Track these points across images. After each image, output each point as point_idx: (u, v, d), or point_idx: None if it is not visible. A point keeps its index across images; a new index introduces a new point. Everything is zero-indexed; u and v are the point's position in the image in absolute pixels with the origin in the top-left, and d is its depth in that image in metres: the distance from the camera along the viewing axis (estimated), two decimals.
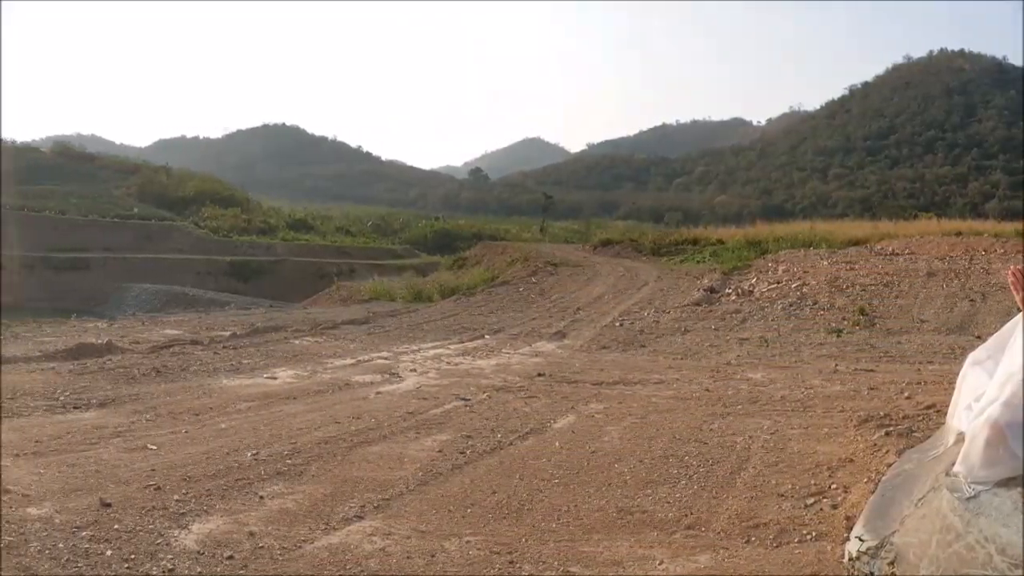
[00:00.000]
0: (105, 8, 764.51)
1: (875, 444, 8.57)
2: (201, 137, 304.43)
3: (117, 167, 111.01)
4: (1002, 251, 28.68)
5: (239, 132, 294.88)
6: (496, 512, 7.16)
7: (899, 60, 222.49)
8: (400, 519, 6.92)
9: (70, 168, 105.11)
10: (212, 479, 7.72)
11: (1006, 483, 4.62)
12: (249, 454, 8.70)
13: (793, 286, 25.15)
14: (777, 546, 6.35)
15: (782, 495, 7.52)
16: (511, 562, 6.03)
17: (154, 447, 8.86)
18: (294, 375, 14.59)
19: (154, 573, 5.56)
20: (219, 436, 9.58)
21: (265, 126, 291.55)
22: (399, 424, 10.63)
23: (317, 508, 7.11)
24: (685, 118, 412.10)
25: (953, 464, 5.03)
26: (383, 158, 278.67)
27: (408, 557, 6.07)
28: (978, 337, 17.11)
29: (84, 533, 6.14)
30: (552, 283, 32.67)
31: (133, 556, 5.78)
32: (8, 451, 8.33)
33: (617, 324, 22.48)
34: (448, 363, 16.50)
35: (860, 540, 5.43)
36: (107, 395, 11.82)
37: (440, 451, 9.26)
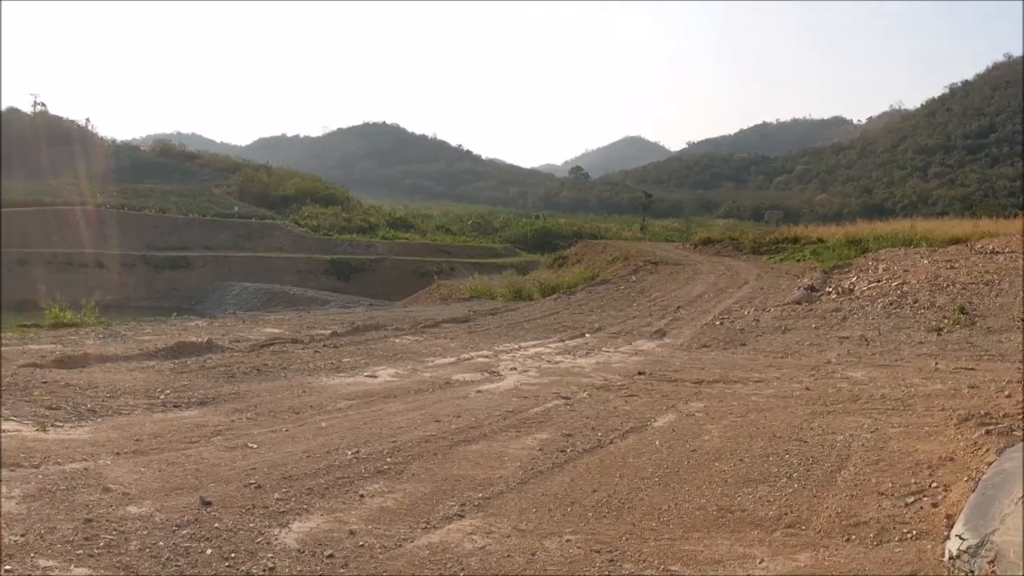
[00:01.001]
0: (208, 8, 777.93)
1: (975, 443, 8.51)
2: (301, 135, 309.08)
3: (218, 165, 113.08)
4: None
5: (339, 130, 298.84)
6: (596, 510, 7.17)
7: (999, 58, 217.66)
8: (500, 517, 6.95)
9: (171, 166, 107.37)
10: (312, 477, 7.80)
11: None
12: (349, 452, 8.77)
13: (893, 285, 24.76)
14: (877, 545, 6.33)
15: (882, 493, 7.50)
16: (611, 560, 6.04)
17: (254, 445, 8.99)
18: (394, 373, 14.68)
19: (254, 572, 5.64)
20: (319, 435, 9.68)
21: (365, 124, 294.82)
22: (499, 423, 10.67)
23: (417, 506, 7.16)
24: (785, 117, 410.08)
25: None
26: (483, 156, 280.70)
27: (508, 556, 6.10)
28: None
29: (184, 531, 6.24)
30: (652, 281, 32.68)
31: (233, 555, 5.87)
32: (109, 449, 8.50)
33: (717, 323, 22.39)
34: (548, 361, 16.55)
35: (960, 539, 5.39)
36: (207, 394, 12.01)
37: (540, 449, 9.29)
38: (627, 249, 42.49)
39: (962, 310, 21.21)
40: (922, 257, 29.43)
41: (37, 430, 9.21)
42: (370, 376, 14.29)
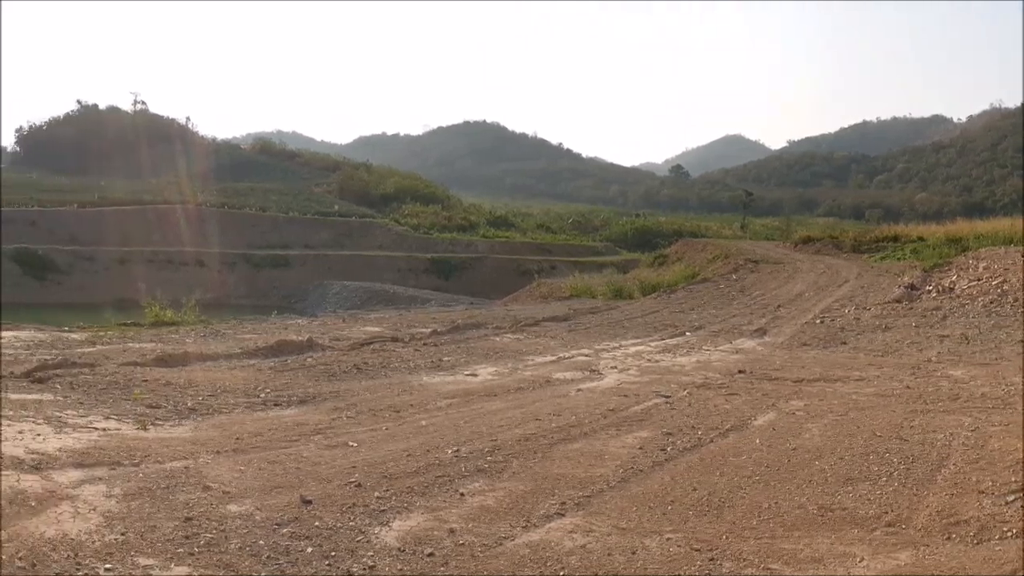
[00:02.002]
0: (308, 8, 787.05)
1: None
2: (402, 134, 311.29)
3: (318, 164, 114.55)
4: None
5: (440, 129, 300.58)
6: (697, 509, 7.18)
7: None
8: (601, 516, 6.96)
9: (271, 165, 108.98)
10: (413, 476, 7.85)
11: None
12: (450, 451, 8.82)
13: (994, 283, 24.34)
14: (978, 543, 6.28)
15: (983, 492, 7.42)
16: (712, 559, 6.04)
17: (354, 444, 9.06)
18: (495, 372, 14.77)
19: (355, 570, 5.67)
20: (420, 433, 9.75)
21: (466, 123, 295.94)
22: (600, 421, 10.69)
23: (518, 505, 7.19)
24: (885, 115, 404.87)
25: None
26: (584, 155, 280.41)
27: (609, 554, 6.10)
28: None
29: (285, 530, 6.31)
30: (753, 280, 32.67)
31: (334, 553, 5.92)
32: (209, 448, 8.62)
33: (818, 321, 22.31)
34: (649, 360, 16.56)
35: None
36: (308, 392, 12.13)
37: (641, 448, 9.30)
38: (727, 248, 42.49)
39: None
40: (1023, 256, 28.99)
41: (137, 429, 9.37)
42: (470, 375, 14.37)
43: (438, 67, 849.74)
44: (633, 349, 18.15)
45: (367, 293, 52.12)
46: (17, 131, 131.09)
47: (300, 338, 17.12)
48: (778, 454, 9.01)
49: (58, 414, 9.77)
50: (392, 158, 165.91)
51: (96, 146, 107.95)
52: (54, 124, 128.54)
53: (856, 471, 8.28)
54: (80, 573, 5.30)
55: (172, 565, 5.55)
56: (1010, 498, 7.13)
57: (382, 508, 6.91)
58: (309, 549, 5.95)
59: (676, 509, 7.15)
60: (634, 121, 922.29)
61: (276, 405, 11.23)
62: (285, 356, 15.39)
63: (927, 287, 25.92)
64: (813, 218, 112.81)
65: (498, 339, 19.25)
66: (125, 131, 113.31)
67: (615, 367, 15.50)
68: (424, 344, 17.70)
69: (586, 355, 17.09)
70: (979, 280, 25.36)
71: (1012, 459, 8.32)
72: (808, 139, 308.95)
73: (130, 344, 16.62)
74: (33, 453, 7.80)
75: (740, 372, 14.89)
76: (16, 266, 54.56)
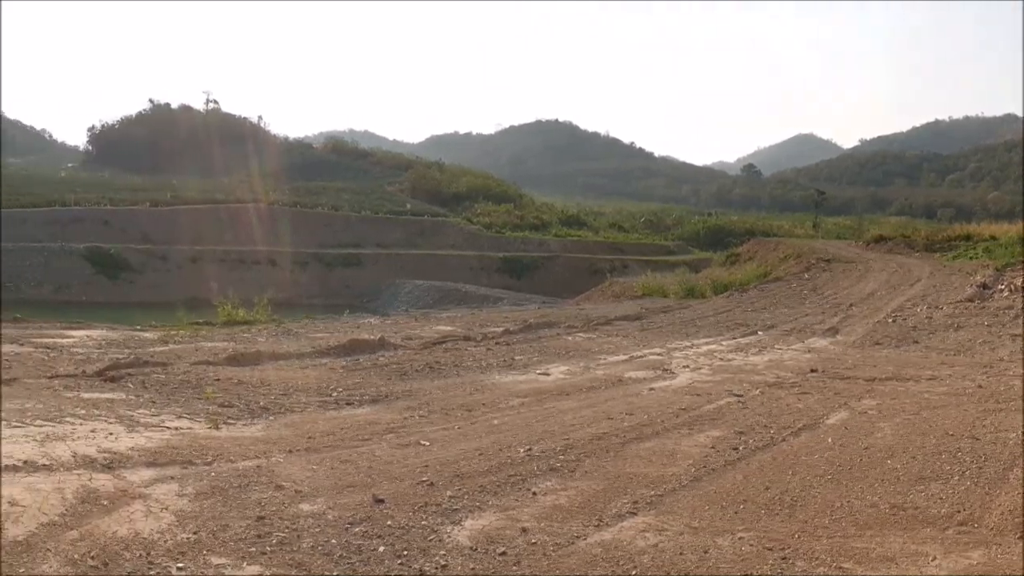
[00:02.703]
0: (382, 8, 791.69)
1: None
2: (474, 133, 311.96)
3: (390, 163, 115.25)
4: None
5: (512, 128, 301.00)
6: (769, 508, 7.17)
7: None
8: (673, 515, 6.95)
9: (343, 164, 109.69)
10: (485, 475, 7.86)
11: None
12: (522, 450, 8.83)
13: None
14: None
15: None
16: (783, 558, 6.03)
17: (427, 443, 9.08)
18: (567, 371, 14.77)
19: (427, 569, 5.68)
20: (492, 432, 9.77)
21: (538, 122, 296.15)
22: (672, 420, 10.70)
23: (590, 504, 7.18)
24: (957, 114, 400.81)
25: None
26: (656, 154, 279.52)
27: (681, 553, 6.09)
28: None
29: (357, 529, 6.33)
30: (825, 279, 32.49)
31: (406, 552, 5.93)
32: (281, 447, 8.68)
33: (890, 320, 22.15)
34: (721, 359, 16.57)
35: None
36: (380, 391, 12.20)
37: (713, 447, 9.30)
38: (799, 247, 42.30)
39: None
40: None
41: (209, 428, 9.48)
42: (542, 374, 14.39)
43: (511, 66, 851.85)
44: (705, 348, 18.19)
45: (439, 292, 52.35)
46: (89, 130, 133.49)
47: (372, 337, 17.23)
48: (850, 453, 9.00)
49: (130, 413, 9.92)
50: (464, 157, 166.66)
51: (168, 145, 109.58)
52: (126, 123, 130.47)
53: (928, 470, 8.28)
54: (152, 572, 5.36)
55: (244, 564, 5.59)
56: None
57: (454, 507, 6.92)
58: (381, 548, 5.97)
59: (748, 508, 7.15)
60: (706, 120, 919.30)
61: (348, 404, 11.29)
62: (357, 355, 15.50)
63: (999, 286, 25.62)
64: (885, 217, 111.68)
65: (570, 338, 19.30)
66: (197, 130, 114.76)
67: (687, 366, 15.52)
68: (496, 343, 17.76)
69: (658, 354, 17.11)
70: None
71: None
72: (880, 138, 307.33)
73: (202, 343, 16.83)
74: (105, 452, 7.91)
75: (812, 371, 14.87)
76: (88, 265, 55.42)
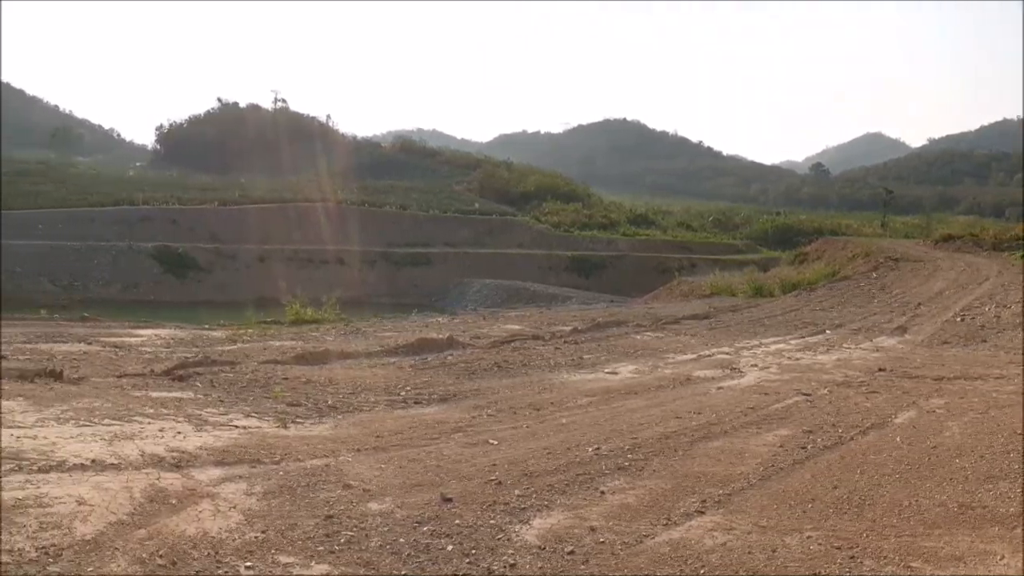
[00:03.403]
0: (450, 7, 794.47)
1: None
2: (542, 132, 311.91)
3: (458, 162, 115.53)
4: None
5: (580, 127, 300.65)
6: (836, 507, 7.14)
7: None
8: (741, 514, 6.95)
9: (411, 163, 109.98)
10: (553, 474, 7.88)
11: None
12: (590, 449, 8.84)
13: None
14: None
15: None
16: (852, 557, 6.01)
17: (495, 442, 9.12)
18: (635, 370, 14.78)
19: (495, 568, 5.70)
20: (560, 431, 9.79)
21: (606, 121, 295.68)
22: (740, 419, 10.70)
23: (658, 503, 7.19)
24: None
25: None
26: (724, 153, 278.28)
27: (749, 552, 6.09)
28: None
29: (425, 528, 6.36)
30: (893, 278, 32.30)
31: (474, 551, 5.96)
32: (349, 446, 8.75)
33: (958, 319, 22.00)
34: (789, 358, 16.53)
35: None
36: (448, 390, 12.27)
37: (781, 446, 9.29)
38: (867, 246, 42.12)
39: None
40: None
41: (278, 427, 9.57)
42: (611, 372, 14.41)
43: (580, 65, 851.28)
44: (773, 347, 18.19)
45: (507, 291, 52.45)
46: (158, 129, 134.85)
47: (440, 336, 17.32)
48: (918, 452, 8.98)
49: (198, 412, 10.04)
50: (532, 156, 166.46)
51: (236, 144, 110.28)
52: (195, 122, 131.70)
53: (997, 469, 8.24)
54: (220, 571, 5.41)
55: (312, 563, 5.63)
56: None
57: (522, 506, 6.94)
58: (449, 547, 6.00)
59: (816, 507, 7.14)
60: (774, 119, 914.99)
61: (416, 403, 11.36)
62: (425, 354, 15.58)
63: None
64: (953, 216, 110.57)
65: (638, 337, 19.32)
66: (266, 129, 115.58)
67: (755, 365, 15.51)
68: (564, 342, 17.80)
69: (726, 353, 17.15)
70: None
71: None
72: (948, 137, 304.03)
73: (270, 342, 16.99)
74: (174, 451, 8.02)
75: (880, 370, 14.80)
76: (156, 264, 55.99)
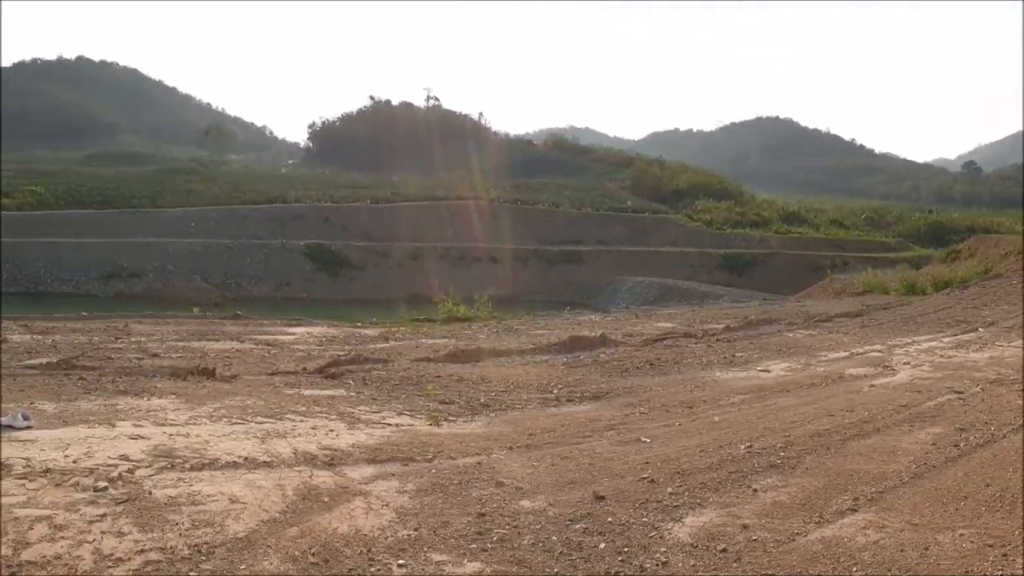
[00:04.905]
0: (601, 7, 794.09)
1: None
2: (694, 130, 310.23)
3: (611, 160, 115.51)
4: None
5: (732, 125, 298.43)
6: (989, 505, 7.05)
7: None
8: (894, 512, 6.89)
9: (564, 161, 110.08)
10: (705, 472, 7.87)
11: None
12: (742, 447, 8.82)
13: None
14: None
15: None
16: (1004, 555, 5.94)
17: (647, 440, 9.10)
18: (787, 368, 14.69)
19: (647, 566, 5.70)
20: (712, 429, 9.76)
21: (758, 119, 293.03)
22: (892, 417, 10.60)
23: (811, 501, 7.16)
24: None
25: None
26: (876, 151, 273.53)
27: (901, 550, 6.04)
28: None
29: (577, 526, 6.39)
30: None
31: (626, 549, 5.96)
32: (502, 444, 8.82)
33: None
34: (941, 356, 16.28)
35: None
36: (600, 388, 12.27)
37: (933, 444, 9.19)
38: (1021, 244, 41.04)
39: None
40: None
41: (430, 424, 9.68)
42: (763, 370, 14.34)
43: (732, 63, 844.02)
44: (926, 345, 17.94)
45: (660, 289, 52.38)
46: (310, 127, 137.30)
47: (593, 334, 17.33)
48: None
49: (351, 410, 10.22)
50: (684, 154, 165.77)
51: (388, 142, 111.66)
52: (347, 120, 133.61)
53: None
54: (373, 569, 5.49)
55: (465, 561, 5.68)
56: None
57: (675, 504, 6.94)
58: (602, 545, 6.01)
59: (969, 505, 7.07)
60: (927, 116, 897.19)
61: (569, 401, 11.39)
62: (578, 352, 15.61)
63: None
64: None
65: (791, 335, 19.21)
66: (418, 127, 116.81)
67: (908, 363, 15.35)
68: (717, 340, 17.74)
69: (878, 351, 16.96)
70: None
71: None
72: None
73: (423, 340, 17.20)
74: (326, 449, 8.17)
75: None
76: (308, 261, 57.12)
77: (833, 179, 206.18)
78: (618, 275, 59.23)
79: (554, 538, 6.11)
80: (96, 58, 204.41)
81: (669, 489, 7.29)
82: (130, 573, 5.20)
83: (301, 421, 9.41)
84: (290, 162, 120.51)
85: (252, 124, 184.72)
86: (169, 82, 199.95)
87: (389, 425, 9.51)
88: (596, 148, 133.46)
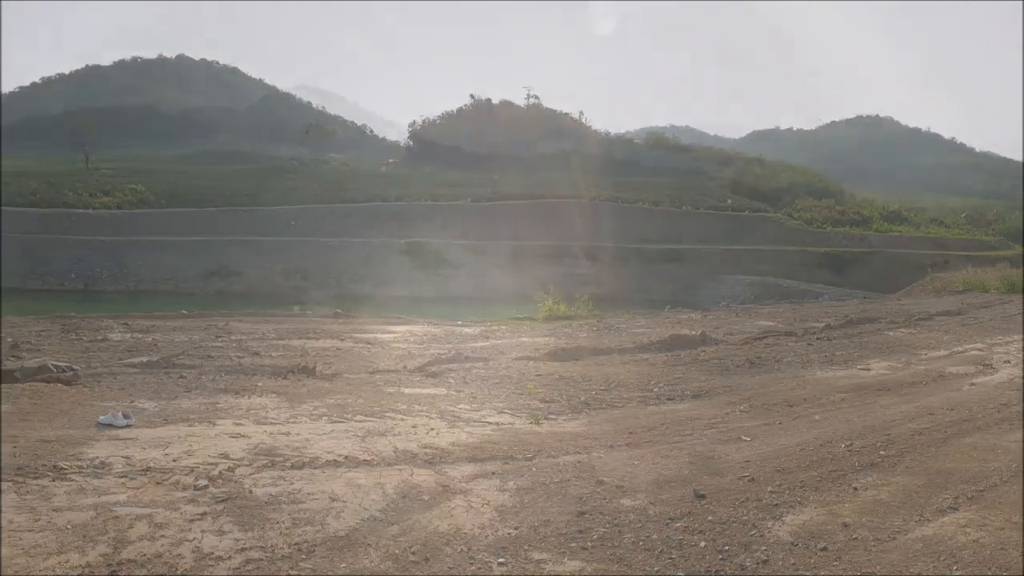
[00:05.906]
0: (703, 7, 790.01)
1: None
2: (795, 128, 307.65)
3: (711, 158, 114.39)
4: None
5: (832, 123, 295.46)
6: None
7: None
8: (994, 510, 6.84)
9: (664, 159, 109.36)
10: (806, 470, 7.84)
11: None
12: (843, 445, 8.77)
13: None
14: None
15: None
16: None
17: (747, 438, 9.08)
18: (888, 366, 14.53)
19: (748, 564, 5.70)
20: (812, 427, 9.70)
21: (859, 117, 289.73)
22: (993, 415, 10.49)
23: (911, 499, 7.11)
24: None
25: None
26: (977, 149, 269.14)
27: (1002, 548, 6.01)
28: None
29: (677, 524, 6.39)
30: None
31: (727, 547, 5.96)
32: (602, 442, 8.82)
33: None
34: None
35: None
36: (700, 386, 12.23)
37: None
38: None
39: None
40: None
41: (531, 423, 9.70)
42: (863, 369, 14.21)
43: (832, 62, 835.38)
44: None
45: (759, 287, 52.12)
46: (410, 126, 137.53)
47: (693, 332, 17.30)
48: None
49: (451, 408, 10.29)
50: (784, 152, 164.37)
51: (488, 141, 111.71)
52: (447, 119, 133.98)
53: None
54: (473, 567, 5.55)
55: (565, 559, 5.72)
56: None
57: (775, 502, 6.93)
58: (702, 543, 6.01)
59: None
60: None
61: (669, 399, 11.35)
62: (678, 350, 15.57)
63: None
64: None
65: (891, 333, 19.00)
66: (518, 125, 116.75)
67: (1008, 361, 15.18)
68: (817, 338, 17.57)
69: (979, 349, 16.81)
70: None
71: None
72: None
73: (523, 338, 17.24)
74: (427, 448, 8.25)
75: None
76: (409, 259, 57.35)
77: (933, 177, 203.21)
78: (718, 273, 58.98)
79: (654, 536, 6.12)
80: (196, 56, 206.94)
81: (769, 487, 7.27)
82: (230, 571, 5.29)
83: (401, 419, 9.50)
84: (390, 161, 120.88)
85: (352, 123, 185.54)
86: (269, 81, 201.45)
87: (489, 423, 9.56)
88: (696, 147, 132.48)
